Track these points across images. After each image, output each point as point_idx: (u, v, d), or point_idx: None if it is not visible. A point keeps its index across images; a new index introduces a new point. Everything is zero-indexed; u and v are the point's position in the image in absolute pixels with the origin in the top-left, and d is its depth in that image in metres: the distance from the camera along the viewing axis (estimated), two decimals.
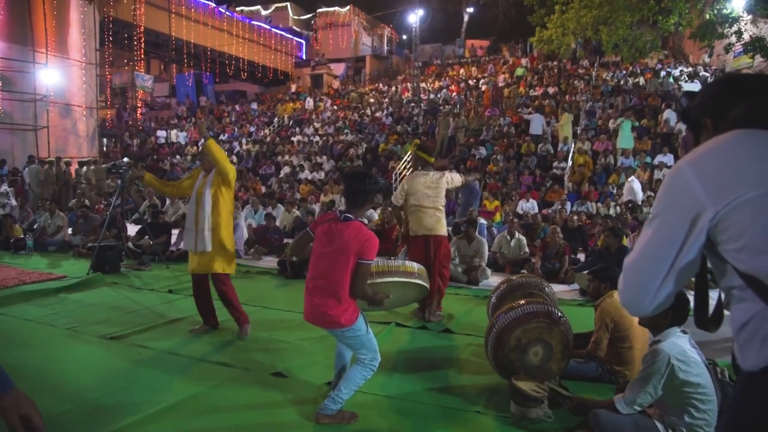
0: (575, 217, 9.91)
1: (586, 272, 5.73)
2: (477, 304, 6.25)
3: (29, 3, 18.12)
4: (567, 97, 20.28)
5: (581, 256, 8.94)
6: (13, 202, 12.50)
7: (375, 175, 3.42)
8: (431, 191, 5.55)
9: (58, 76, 18.85)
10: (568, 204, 12.08)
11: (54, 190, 14.84)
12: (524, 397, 3.27)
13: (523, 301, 3.76)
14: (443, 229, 5.64)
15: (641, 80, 20.63)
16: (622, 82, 20.99)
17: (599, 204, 12.06)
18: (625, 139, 14.66)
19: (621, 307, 3.73)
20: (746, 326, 1.14)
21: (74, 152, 19.39)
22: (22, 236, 9.73)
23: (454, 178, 5.80)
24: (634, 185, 12.12)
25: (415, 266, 3.82)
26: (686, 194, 1.18)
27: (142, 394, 3.61)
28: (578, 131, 16.65)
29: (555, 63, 25.57)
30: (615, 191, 12.66)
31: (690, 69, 21.41)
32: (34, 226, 10.44)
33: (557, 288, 6.90)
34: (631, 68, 22.40)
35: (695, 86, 17.63)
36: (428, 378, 3.98)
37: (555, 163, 14.84)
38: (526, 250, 8.40)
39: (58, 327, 5.12)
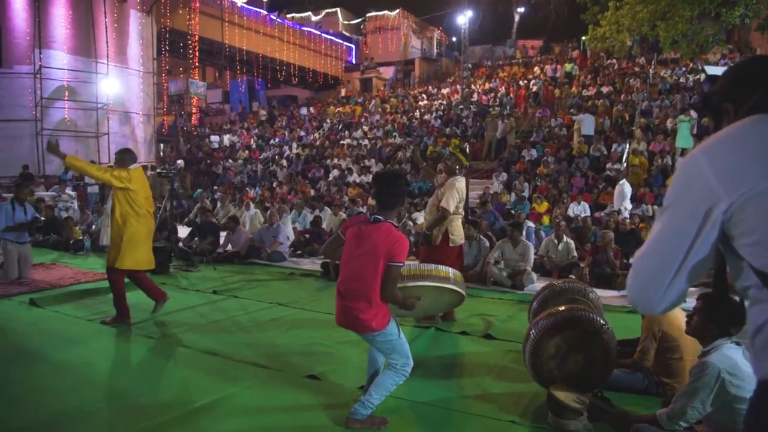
0: (628, 220, 9.50)
1: None
2: (520, 310, 6.07)
3: (92, 17, 19.04)
4: (622, 96, 19.58)
5: None
6: (75, 206, 13.10)
7: (406, 177, 3.34)
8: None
9: (118, 85, 19.72)
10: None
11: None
12: (562, 408, 3.11)
13: (564, 308, 3.60)
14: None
15: (702, 77, 19.68)
16: (681, 80, 20.09)
17: (655, 206, 11.54)
18: (684, 138, 13.98)
19: (670, 315, 3.54)
20: (763, 330, 1.02)
21: None
22: (80, 237, 10.18)
23: None
24: (625, 188, 11.63)
25: (450, 271, 3.71)
26: (700, 184, 1.06)
27: (178, 393, 3.67)
28: (634, 131, 16.04)
29: (610, 61, 24.78)
30: None
31: None
32: (92, 228, 10.89)
33: (607, 294, 6.66)
34: (691, 65, 21.43)
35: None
36: (463, 385, 3.87)
37: (609, 165, 14.33)
38: (575, 254, 8.12)
39: (105, 325, 5.29)
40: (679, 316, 3.62)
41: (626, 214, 10.78)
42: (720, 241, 1.07)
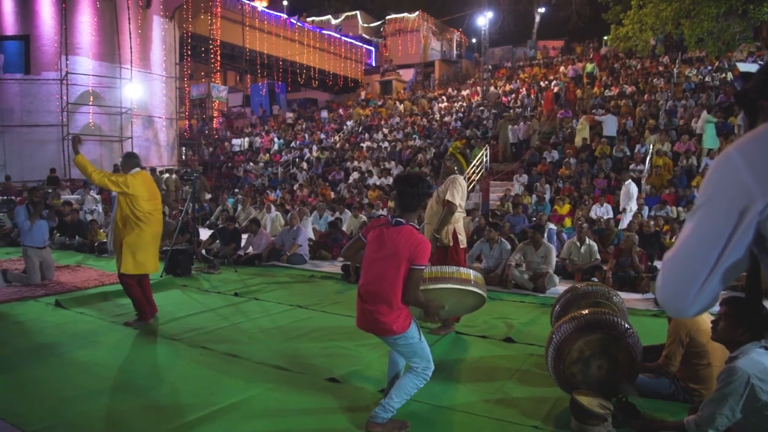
0: (652, 222, 9.34)
1: None
2: (542, 313, 5.99)
3: (117, 23, 19.39)
4: (645, 96, 19.27)
5: (659, 264, 8.41)
6: (99, 209, 13.33)
7: (427, 179, 3.31)
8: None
9: (141, 89, 20.04)
10: (645, 208, 11.43)
11: None
12: (586, 414, 3.05)
13: (587, 311, 3.53)
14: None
15: (729, 75, 19.27)
16: (707, 79, 19.71)
17: (680, 208, 11.33)
18: (710, 138, 13.71)
19: (698, 319, 3.46)
20: None
21: (156, 161, 20.52)
22: (104, 240, 10.33)
23: None
24: (631, 189, 11.43)
25: (471, 273, 3.68)
26: (734, 183, 1.01)
27: (199, 395, 3.68)
28: (657, 131, 15.77)
29: (632, 61, 24.42)
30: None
31: None
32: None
33: (631, 297, 6.54)
34: (717, 63, 21.02)
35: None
36: (485, 389, 3.82)
37: (632, 166, 14.10)
38: (598, 256, 8.00)
39: (129, 327, 5.35)
40: (706, 321, 3.52)
41: (630, 216, 10.65)
42: (755, 243, 1.03)
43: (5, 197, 15.29)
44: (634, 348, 3.33)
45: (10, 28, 18.66)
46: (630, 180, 11.83)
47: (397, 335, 3.04)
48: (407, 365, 3.23)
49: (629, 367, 3.33)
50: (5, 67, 18.66)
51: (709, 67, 21.03)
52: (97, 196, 14.75)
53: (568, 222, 11.11)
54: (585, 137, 16.03)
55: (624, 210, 11.18)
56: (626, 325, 3.40)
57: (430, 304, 3.12)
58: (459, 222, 5.33)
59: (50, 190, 14.15)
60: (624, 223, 10.86)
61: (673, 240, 9.10)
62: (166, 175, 17.77)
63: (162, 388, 3.83)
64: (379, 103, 29.66)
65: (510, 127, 18.12)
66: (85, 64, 18.88)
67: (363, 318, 3.12)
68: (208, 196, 17.40)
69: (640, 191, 13.00)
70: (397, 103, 28.58)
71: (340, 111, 29.55)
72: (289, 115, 30.56)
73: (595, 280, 7.37)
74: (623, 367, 3.33)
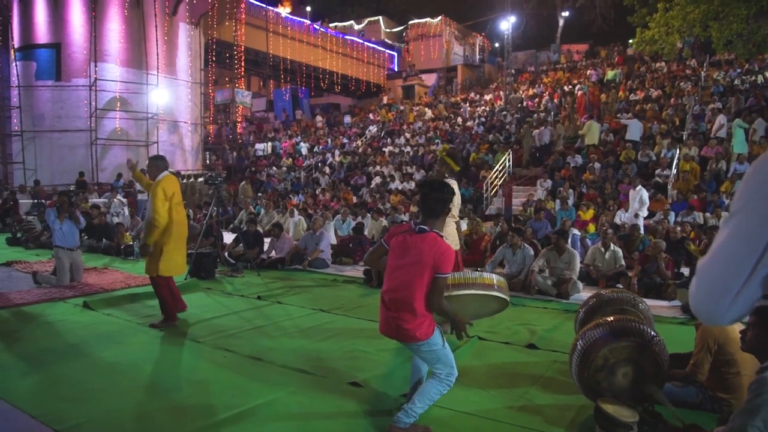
0: (679, 228, 9.17)
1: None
2: (566, 319, 5.93)
3: (144, 31, 19.79)
4: (672, 100, 18.97)
5: (685, 270, 8.26)
6: (126, 212, 13.57)
7: (452, 187, 3.28)
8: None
9: (167, 95, 20.40)
10: (672, 214, 11.23)
11: None
12: (611, 422, 3.00)
13: (612, 318, 3.49)
14: None
15: (760, 78, 18.88)
16: (736, 82, 19.32)
17: (707, 214, 11.11)
18: (740, 143, 13.44)
19: (727, 327, 3.38)
20: None
21: (180, 165, 20.85)
22: (130, 243, 10.52)
23: None
24: (642, 194, 11.20)
25: (494, 278, 3.65)
26: None
27: (221, 397, 3.72)
28: (684, 136, 15.52)
29: (659, 64, 24.07)
30: (726, 200, 11.62)
31: None
32: (142, 234, 11.24)
33: (657, 304, 6.43)
34: (747, 66, 20.60)
35: None
36: (508, 395, 3.79)
37: (658, 171, 13.88)
38: (623, 263, 7.87)
39: (154, 329, 5.44)
40: (735, 329, 3.45)
41: (640, 221, 10.50)
42: None
43: (35, 200, 15.68)
44: (660, 356, 3.27)
45: (43, 36, 19.19)
46: (641, 186, 11.58)
47: (420, 342, 3.02)
48: (430, 371, 3.22)
49: (656, 375, 3.28)
50: (37, 74, 19.19)
51: (738, 70, 20.63)
52: (124, 200, 15.03)
53: (591, 228, 10.96)
54: (594, 143, 16.13)
55: (637, 215, 10.94)
56: (652, 333, 3.34)
57: (456, 317, 3.08)
58: (449, 226, 5.24)
59: (79, 193, 14.47)
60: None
61: (699, 247, 8.93)
62: (191, 180, 18.03)
63: (186, 389, 3.88)
64: (401, 107, 29.71)
65: (535, 131, 18.00)
66: (114, 71, 19.31)
67: (386, 324, 3.11)
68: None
69: (665, 196, 12.80)
70: (421, 107, 28.59)
71: (371, 116, 29.63)
72: (319, 119, 30.78)
73: (620, 286, 7.26)
74: (649, 375, 3.27)
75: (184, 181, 17.63)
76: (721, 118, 14.77)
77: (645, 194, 11.35)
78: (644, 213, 11.17)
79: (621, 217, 11.36)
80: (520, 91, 26.52)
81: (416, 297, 2.97)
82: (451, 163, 5.51)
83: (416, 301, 2.97)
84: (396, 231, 3.20)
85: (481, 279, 3.56)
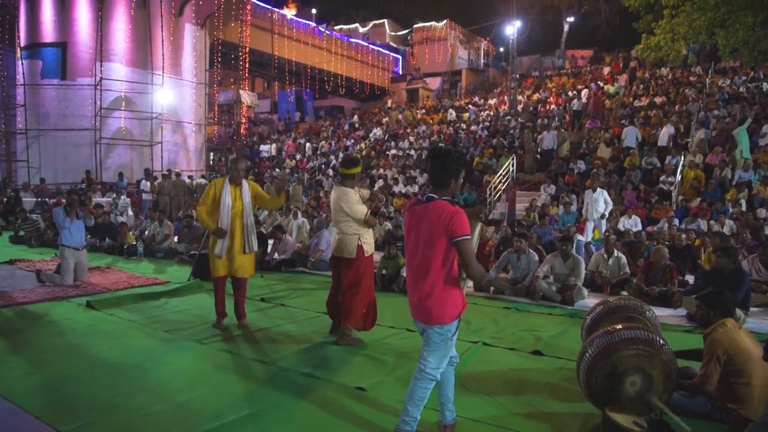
0: (683, 236, 9.13)
1: (694, 296, 5.22)
2: (571, 325, 5.89)
3: (150, 31, 19.82)
4: (677, 106, 18.94)
5: (690, 278, 8.22)
6: (130, 212, 13.58)
7: (461, 154, 3.18)
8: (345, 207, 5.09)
9: (171, 95, 20.43)
10: (676, 221, 11.18)
11: (166, 200, 15.97)
12: (619, 431, 2.98)
13: (621, 326, 3.46)
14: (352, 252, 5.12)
15: (765, 86, 18.84)
16: (741, 89, 19.28)
17: (712, 221, 11.07)
18: (745, 151, 13.40)
19: (736, 337, 3.36)
20: None
21: (184, 166, 20.85)
22: (134, 243, 10.52)
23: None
24: (605, 195, 10.74)
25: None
26: None
27: (225, 400, 3.70)
28: (689, 143, 15.48)
29: (664, 71, 24.04)
30: (731, 207, 11.58)
31: None
32: (145, 234, 11.25)
33: (662, 312, 6.39)
34: (752, 73, 20.56)
35: None
36: (514, 402, 3.76)
37: (662, 177, 13.84)
38: (627, 269, 7.83)
39: (158, 329, 5.43)
40: (745, 339, 3.43)
41: (604, 226, 10.37)
42: None
43: (39, 199, 15.71)
44: (669, 364, 3.24)
45: (49, 35, 19.24)
46: (599, 188, 10.88)
47: (441, 325, 2.95)
48: (419, 369, 3.13)
49: (664, 383, 3.25)
50: (43, 73, 19.23)
51: (744, 78, 20.59)
52: (127, 200, 15.03)
53: (596, 234, 10.92)
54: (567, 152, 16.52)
55: (603, 216, 10.64)
56: (661, 341, 3.32)
57: (496, 284, 3.01)
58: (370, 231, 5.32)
59: (87, 192, 14.49)
60: (588, 236, 10.56)
61: (704, 253, 8.88)
62: (196, 180, 18.04)
63: (190, 391, 3.86)
64: (400, 118, 29.69)
65: (539, 136, 17.94)
66: (119, 71, 19.34)
67: (415, 307, 3.05)
68: None
69: (670, 203, 12.74)
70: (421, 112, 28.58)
71: (385, 120, 29.61)
72: (326, 124, 30.79)
73: (625, 293, 7.23)
74: (658, 384, 3.25)
75: (188, 181, 17.64)
76: (701, 133, 14.83)
77: (606, 194, 11.02)
78: (603, 224, 10.84)
79: (624, 223, 11.31)
80: (524, 96, 26.50)
81: (437, 272, 2.92)
82: (342, 169, 5.40)
83: (438, 276, 2.92)
84: (408, 204, 3.16)
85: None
